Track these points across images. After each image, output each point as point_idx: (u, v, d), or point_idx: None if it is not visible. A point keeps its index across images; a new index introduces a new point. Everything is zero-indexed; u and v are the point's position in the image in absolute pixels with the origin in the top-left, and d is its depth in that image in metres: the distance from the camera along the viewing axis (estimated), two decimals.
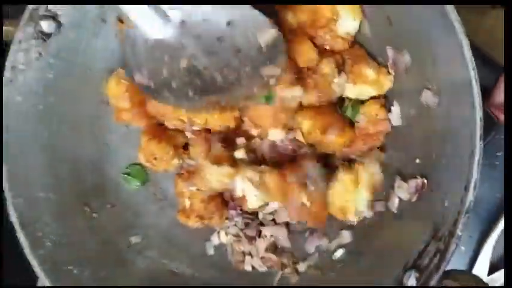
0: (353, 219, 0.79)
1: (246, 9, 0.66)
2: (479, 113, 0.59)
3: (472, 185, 0.59)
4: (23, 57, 0.77)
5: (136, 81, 0.69)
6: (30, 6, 0.75)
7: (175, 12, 0.65)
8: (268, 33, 0.66)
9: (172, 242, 0.89)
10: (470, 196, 0.59)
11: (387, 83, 0.78)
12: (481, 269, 0.96)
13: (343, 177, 0.78)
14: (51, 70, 0.81)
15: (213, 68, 0.66)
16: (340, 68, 0.77)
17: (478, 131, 0.58)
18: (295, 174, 0.77)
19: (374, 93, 0.79)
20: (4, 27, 0.77)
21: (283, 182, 0.77)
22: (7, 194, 0.75)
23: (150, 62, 0.67)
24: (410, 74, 0.74)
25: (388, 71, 0.77)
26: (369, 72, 0.77)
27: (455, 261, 0.96)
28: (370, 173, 0.78)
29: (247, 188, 0.78)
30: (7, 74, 0.77)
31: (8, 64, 0.76)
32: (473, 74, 0.58)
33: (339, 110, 0.81)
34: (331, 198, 0.79)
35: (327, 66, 0.75)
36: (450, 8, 0.60)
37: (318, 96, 0.78)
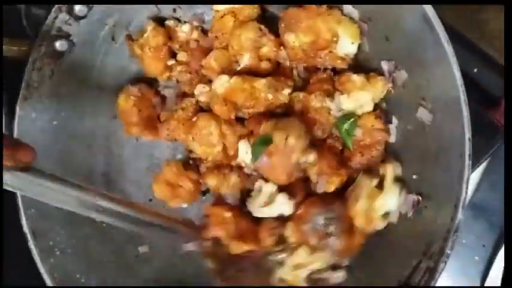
0: (382, 224, 0.78)
1: None
2: (468, 134, 0.59)
3: (461, 203, 0.60)
4: (37, 76, 0.82)
5: None
6: (44, 28, 0.80)
7: None
8: None
9: (179, 253, 0.92)
10: (459, 215, 0.60)
11: (380, 84, 0.77)
12: (495, 278, 0.95)
13: (365, 186, 0.78)
14: (64, 87, 0.85)
15: None
16: (330, 93, 0.79)
17: (467, 151, 0.59)
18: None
19: (370, 97, 0.79)
20: (20, 48, 0.82)
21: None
22: (20, 205, 0.79)
23: None
24: (407, 89, 0.75)
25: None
26: (355, 77, 0.77)
27: (469, 271, 0.96)
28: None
29: None
30: (22, 91, 0.81)
31: (23, 82, 0.81)
32: (463, 97, 0.59)
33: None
34: (355, 213, 0.78)
35: (315, 101, 0.78)
36: (442, 32, 0.61)
37: (322, 130, 0.81)
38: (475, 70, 0.91)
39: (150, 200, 0.94)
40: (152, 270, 0.90)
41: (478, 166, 0.91)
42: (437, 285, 0.64)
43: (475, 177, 0.94)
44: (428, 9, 0.63)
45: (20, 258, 0.80)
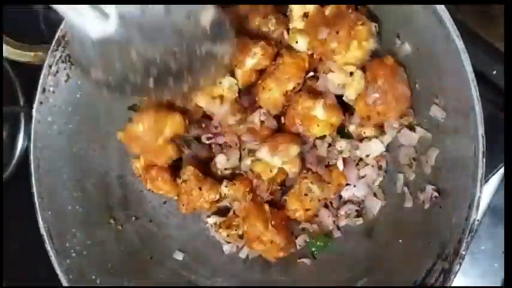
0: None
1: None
2: (481, 130, 0.58)
3: (475, 203, 0.58)
4: (53, 80, 0.83)
5: (94, 77, 0.69)
6: (59, 33, 0.81)
7: (111, 8, 0.64)
8: (208, 13, 0.67)
9: (193, 254, 0.92)
10: (474, 214, 0.58)
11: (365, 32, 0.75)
12: None
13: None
14: (79, 91, 0.86)
15: (164, 56, 0.67)
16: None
17: (481, 147, 0.58)
18: None
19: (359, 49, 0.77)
20: (36, 53, 0.83)
21: None
22: (37, 207, 0.81)
23: (102, 59, 0.67)
24: (421, 88, 0.74)
25: None
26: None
27: (489, 278, 0.93)
28: None
29: None
30: (39, 96, 0.83)
31: (39, 87, 0.83)
32: (475, 93, 0.58)
33: None
34: None
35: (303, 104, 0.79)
36: (452, 27, 0.60)
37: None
38: (494, 72, 0.89)
39: (165, 202, 0.94)
40: (166, 271, 0.90)
41: (497, 171, 0.89)
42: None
43: (493, 182, 0.91)
44: (440, 7, 0.62)
45: (37, 259, 0.81)
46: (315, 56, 0.81)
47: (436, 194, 0.69)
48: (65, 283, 0.80)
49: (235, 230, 0.89)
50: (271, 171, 0.83)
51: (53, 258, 0.80)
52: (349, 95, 0.79)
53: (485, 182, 0.89)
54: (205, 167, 0.90)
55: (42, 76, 0.82)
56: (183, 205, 0.87)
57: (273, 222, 0.82)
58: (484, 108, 0.61)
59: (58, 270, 0.80)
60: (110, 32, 0.65)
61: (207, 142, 0.89)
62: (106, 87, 0.71)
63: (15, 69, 1.06)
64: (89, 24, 0.64)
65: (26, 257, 0.97)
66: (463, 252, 0.59)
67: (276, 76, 0.80)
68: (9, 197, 1.05)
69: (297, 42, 0.81)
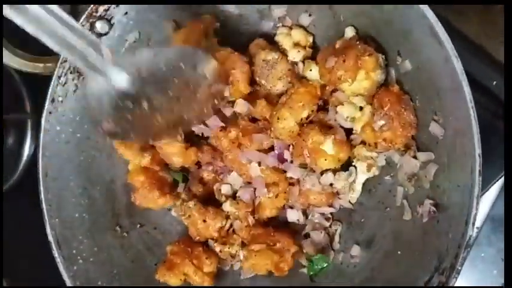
0: None
1: (188, 49, 0.78)
2: (478, 150, 0.60)
3: (471, 219, 0.60)
4: (61, 90, 0.85)
5: (105, 130, 0.74)
6: None
7: (127, 63, 0.70)
8: (211, 65, 0.76)
9: None
10: (470, 231, 0.60)
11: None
12: None
13: None
14: (86, 101, 0.88)
15: (169, 102, 0.73)
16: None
17: (477, 167, 0.60)
18: None
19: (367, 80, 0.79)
20: (45, 64, 0.86)
21: None
22: (45, 214, 0.83)
23: (115, 111, 0.71)
24: (420, 104, 0.76)
25: None
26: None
27: (489, 285, 0.96)
28: None
29: None
30: (48, 106, 0.85)
31: (48, 97, 0.85)
32: (473, 114, 0.60)
33: None
34: None
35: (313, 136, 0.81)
36: (450, 47, 0.61)
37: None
38: (494, 83, 0.90)
39: (169, 209, 0.96)
40: None
41: (497, 180, 0.91)
42: None
43: (493, 190, 0.93)
44: (437, 24, 0.64)
45: (44, 266, 0.83)
46: (327, 89, 0.84)
47: (434, 208, 0.70)
48: None
49: (229, 248, 0.91)
50: None
51: (60, 265, 0.82)
52: (359, 130, 0.82)
53: (486, 191, 0.91)
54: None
55: (51, 86, 0.84)
56: (195, 237, 0.91)
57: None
58: (484, 119, 0.63)
59: (65, 276, 0.82)
60: (126, 85, 0.69)
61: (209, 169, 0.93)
62: (114, 136, 0.77)
63: (22, 76, 1.08)
64: (107, 80, 0.68)
65: (32, 264, 0.99)
66: (459, 268, 0.61)
67: (289, 105, 0.82)
68: (15, 203, 1.07)
69: (311, 70, 0.84)
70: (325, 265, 0.88)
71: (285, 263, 0.86)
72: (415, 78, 0.74)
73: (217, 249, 0.91)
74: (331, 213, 0.90)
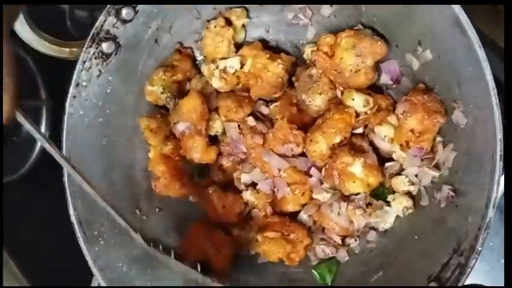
0: None
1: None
2: (499, 135, 0.62)
3: (491, 203, 0.62)
4: (86, 75, 0.87)
5: None
6: (93, 30, 0.85)
7: None
8: None
9: None
10: (490, 213, 0.62)
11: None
12: None
13: None
14: (109, 86, 0.90)
15: None
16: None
17: (498, 151, 0.62)
18: None
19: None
20: (71, 49, 0.87)
21: None
22: (68, 196, 0.85)
23: None
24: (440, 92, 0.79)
25: None
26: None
27: (496, 274, 0.97)
28: None
29: None
30: (72, 90, 0.86)
31: (73, 82, 0.86)
32: (494, 100, 0.62)
33: None
34: None
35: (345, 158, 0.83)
36: (473, 36, 0.63)
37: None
38: None
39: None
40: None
41: None
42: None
43: (502, 180, 0.94)
44: (460, 13, 0.66)
45: (68, 245, 0.85)
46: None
47: (452, 193, 0.72)
48: (93, 269, 0.84)
49: (245, 234, 0.94)
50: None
51: (82, 245, 0.84)
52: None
53: None
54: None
55: (76, 71, 0.85)
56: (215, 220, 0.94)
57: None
58: None
59: (88, 257, 0.84)
60: None
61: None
62: None
63: (37, 63, 1.10)
64: None
65: (53, 249, 1.01)
66: (479, 248, 0.63)
67: (323, 130, 0.84)
68: (27, 191, 1.09)
69: (353, 99, 0.84)
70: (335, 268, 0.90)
71: (297, 254, 0.88)
72: (435, 67, 0.76)
73: (235, 233, 0.93)
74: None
